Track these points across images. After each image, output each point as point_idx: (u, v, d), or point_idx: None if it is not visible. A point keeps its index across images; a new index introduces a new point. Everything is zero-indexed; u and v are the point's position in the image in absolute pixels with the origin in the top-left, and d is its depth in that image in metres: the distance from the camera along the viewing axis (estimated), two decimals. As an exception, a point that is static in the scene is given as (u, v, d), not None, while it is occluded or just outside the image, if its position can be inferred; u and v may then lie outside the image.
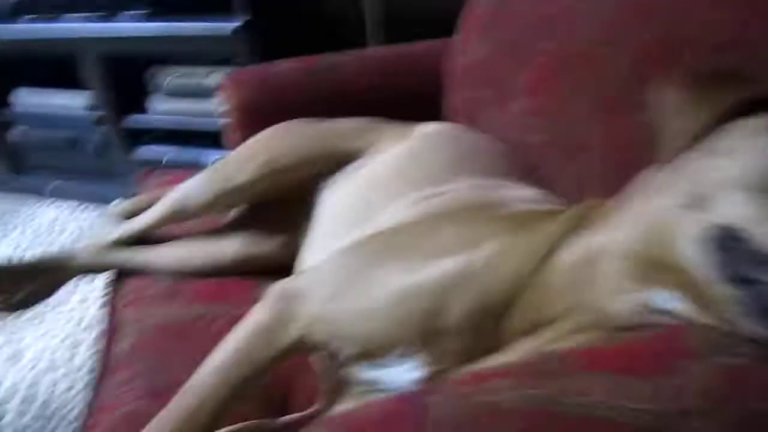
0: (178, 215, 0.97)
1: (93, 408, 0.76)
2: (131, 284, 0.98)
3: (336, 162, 0.96)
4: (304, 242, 0.94)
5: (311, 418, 0.67)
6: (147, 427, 0.61)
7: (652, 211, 0.53)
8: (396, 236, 0.68)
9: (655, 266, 0.51)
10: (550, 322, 0.56)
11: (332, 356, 0.65)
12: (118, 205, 1.13)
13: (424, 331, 0.58)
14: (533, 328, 0.56)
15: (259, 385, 0.67)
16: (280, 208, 1.00)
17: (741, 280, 0.45)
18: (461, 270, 0.59)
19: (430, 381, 0.58)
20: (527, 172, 0.90)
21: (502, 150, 0.94)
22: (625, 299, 0.52)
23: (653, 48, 0.80)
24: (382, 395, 0.61)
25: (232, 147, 1.21)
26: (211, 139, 1.82)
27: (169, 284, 0.96)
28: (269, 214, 1.00)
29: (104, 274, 1.05)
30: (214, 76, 1.82)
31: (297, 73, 1.27)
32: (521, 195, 0.77)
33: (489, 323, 0.57)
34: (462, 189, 0.78)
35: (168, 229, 1.03)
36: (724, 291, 0.46)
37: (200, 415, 0.60)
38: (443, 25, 1.25)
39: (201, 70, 1.90)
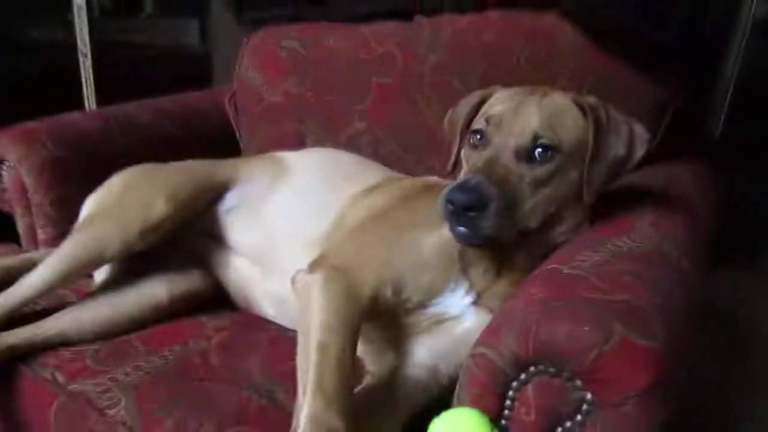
0: (92, 265, 0.90)
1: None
2: (47, 362, 0.83)
3: (213, 192, 1.03)
4: (237, 263, 1.00)
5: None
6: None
7: None
8: (397, 212, 0.87)
9: None
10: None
11: (399, 306, 0.79)
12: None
13: (462, 266, 0.81)
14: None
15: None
16: (176, 246, 1.00)
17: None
18: None
19: (480, 298, 0.81)
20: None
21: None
22: None
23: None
24: (451, 322, 0.81)
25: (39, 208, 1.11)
26: None
27: (106, 346, 0.86)
28: (172, 252, 0.99)
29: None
30: None
31: (93, 125, 1.21)
32: (426, 178, 1.04)
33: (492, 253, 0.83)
34: (405, 178, 1.01)
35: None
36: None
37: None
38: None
39: None
